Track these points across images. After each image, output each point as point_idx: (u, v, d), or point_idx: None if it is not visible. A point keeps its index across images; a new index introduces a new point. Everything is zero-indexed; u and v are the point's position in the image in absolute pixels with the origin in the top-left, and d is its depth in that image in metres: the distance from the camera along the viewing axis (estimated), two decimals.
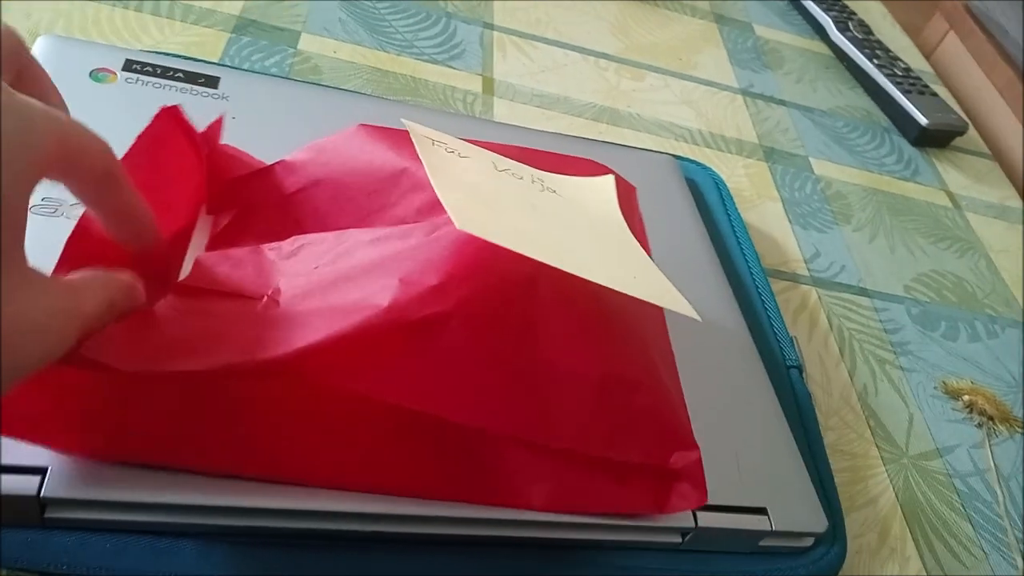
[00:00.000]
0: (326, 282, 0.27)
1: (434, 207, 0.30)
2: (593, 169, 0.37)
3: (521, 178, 0.34)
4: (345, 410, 0.26)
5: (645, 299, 0.29)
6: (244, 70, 0.48)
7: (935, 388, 0.48)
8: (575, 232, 0.31)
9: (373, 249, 0.28)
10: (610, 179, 0.37)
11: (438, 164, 0.31)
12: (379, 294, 0.26)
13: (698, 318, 0.29)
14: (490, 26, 0.62)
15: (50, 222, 0.32)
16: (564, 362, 0.29)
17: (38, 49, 0.39)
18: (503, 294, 0.28)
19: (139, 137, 0.30)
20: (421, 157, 0.31)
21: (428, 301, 0.26)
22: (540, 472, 0.29)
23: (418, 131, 0.33)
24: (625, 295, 0.28)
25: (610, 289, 0.28)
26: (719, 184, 0.52)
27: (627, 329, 0.32)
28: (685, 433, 0.31)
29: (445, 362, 0.27)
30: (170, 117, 0.31)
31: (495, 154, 0.35)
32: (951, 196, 0.65)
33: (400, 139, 0.34)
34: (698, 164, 0.54)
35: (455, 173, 0.31)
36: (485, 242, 0.26)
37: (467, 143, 0.34)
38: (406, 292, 0.26)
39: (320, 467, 0.27)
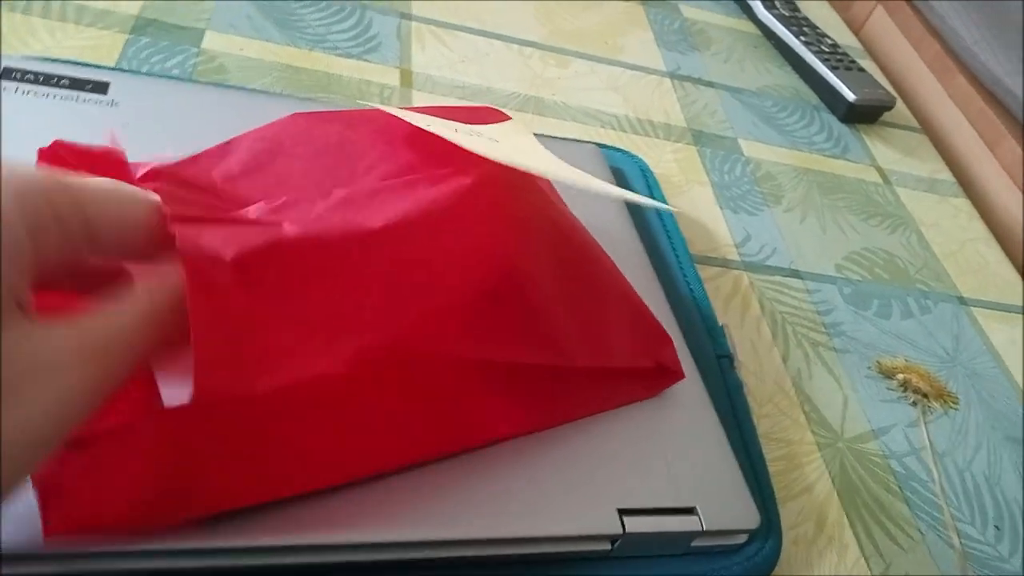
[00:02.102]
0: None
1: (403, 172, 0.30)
2: (495, 115, 0.38)
3: (471, 134, 0.33)
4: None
5: (630, 200, 0.34)
6: (139, 73, 0.45)
7: (869, 368, 0.47)
8: (536, 158, 0.35)
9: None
10: (517, 119, 0.39)
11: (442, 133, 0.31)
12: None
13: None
14: (408, 16, 0.60)
15: None
16: (554, 287, 0.31)
17: None
18: (530, 248, 0.31)
19: None
20: (429, 128, 0.30)
21: (484, 260, 0.29)
22: (565, 390, 0.32)
23: (389, 111, 0.32)
24: (578, 227, 0.34)
25: (570, 223, 0.34)
26: (645, 172, 0.51)
27: (591, 253, 0.35)
28: (658, 329, 0.36)
29: (507, 310, 0.29)
30: (53, 155, 0.28)
31: (433, 116, 0.34)
32: (881, 172, 0.65)
33: (333, 118, 0.32)
34: (623, 152, 0.53)
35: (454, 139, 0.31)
36: (495, 198, 0.29)
37: (405, 110, 0.33)
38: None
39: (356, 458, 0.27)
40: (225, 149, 0.32)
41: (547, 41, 0.64)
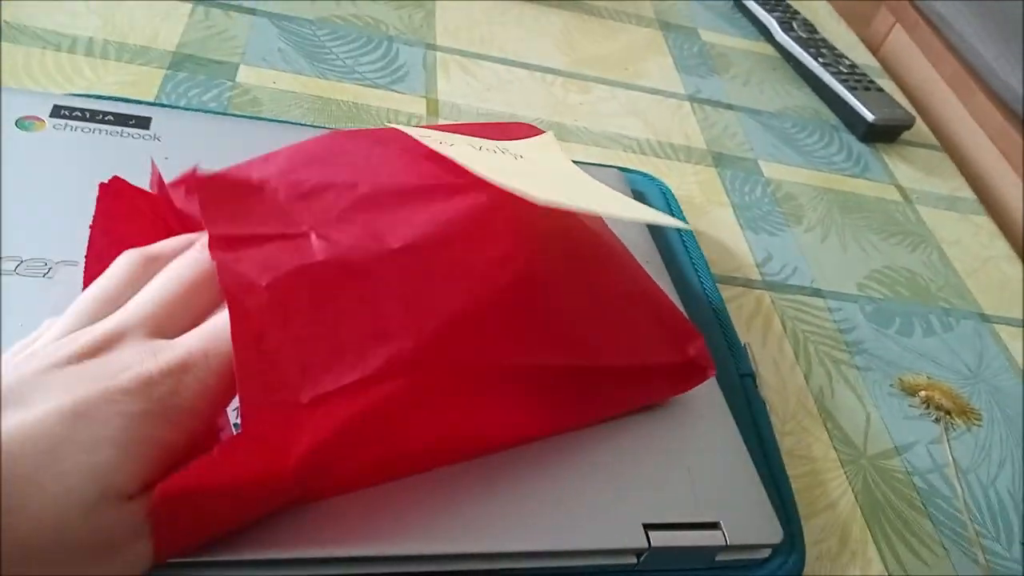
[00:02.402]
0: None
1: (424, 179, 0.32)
2: (528, 131, 0.40)
3: (494, 152, 0.35)
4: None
5: (647, 222, 0.35)
6: (178, 107, 0.47)
7: (891, 386, 0.48)
8: (565, 182, 0.36)
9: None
10: (549, 135, 0.41)
11: (456, 155, 0.32)
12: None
13: (687, 227, 0.39)
14: (433, 47, 0.62)
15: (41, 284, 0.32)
16: (575, 288, 0.33)
17: None
18: (549, 252, 0.32)
19: (92, 225, 0.29)
20: (445, 153, 0.32)
21: (505, 267, 0.30)
22: (592, 390, 0.33)
23: (414, 132, 0.33)
24: (597, 227, 0.36)
25: (588, 223, 0.35)
26: (666, 194, 0.52)
27: (613, 252, 0.37)
28: (686, 324, 0.37)
29: (530, 314, 0.31)
30: (111, 192, 0.30)
31: (461, 135, 0.35)
32: (901, 190, 0.66)
33: (363, 135, 0.34)
34: (645, 175, 0.54)
35: (470, 159, 0.32)
36: (513, 206, 0.30)
37: (432, 130, 0.35)
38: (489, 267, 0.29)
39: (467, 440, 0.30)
40: (264, 158, 0.33)
41: (569, 68, 0.66)
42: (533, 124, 0.58)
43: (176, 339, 0.24)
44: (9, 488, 0.19)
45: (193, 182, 0.28)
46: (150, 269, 0.27)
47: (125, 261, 0.27)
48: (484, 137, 0.37)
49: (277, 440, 0.24)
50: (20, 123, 0.38)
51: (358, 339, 0.26)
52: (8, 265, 0.32)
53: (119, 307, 0.25)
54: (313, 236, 0.27)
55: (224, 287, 0.24)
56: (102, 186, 0.29)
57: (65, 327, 0.25)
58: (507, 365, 0.30)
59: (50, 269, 0.33)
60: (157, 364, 0.23)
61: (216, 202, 0.27)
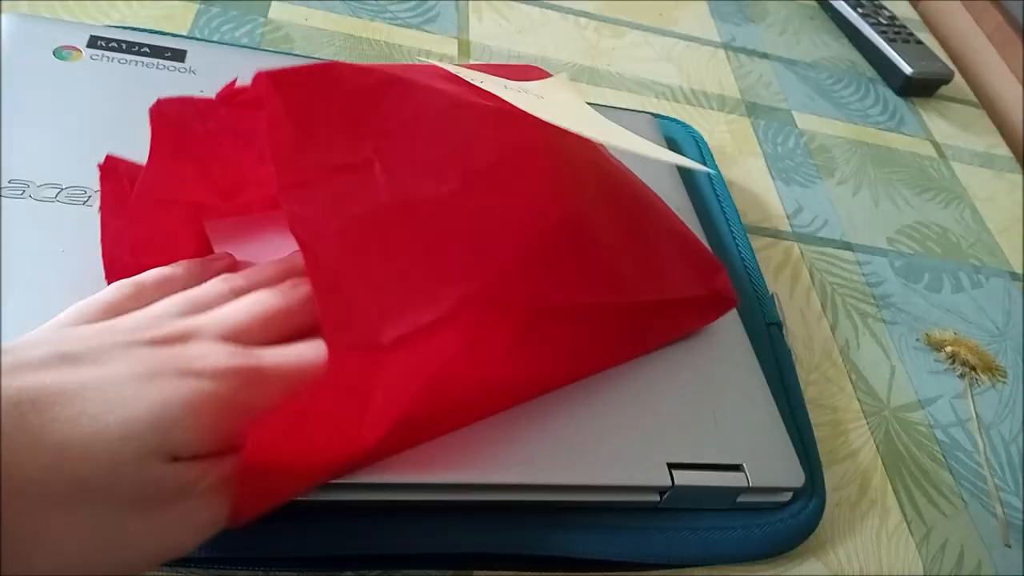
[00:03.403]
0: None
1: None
2: (540, 73, 0.40)
3: (519, 91, 0.34)
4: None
5: (665, 160, 0.35)
6: (212, 42, 0.47)
7: (917, 340, 0.48)
8: (590, 120, 0.36)
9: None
10: (563, 75, 0.41)
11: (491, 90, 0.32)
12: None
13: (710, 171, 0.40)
14: None
15: (18, 204, 0.32)
16: (609, 227, 0.33)
17: (2, 28, 0.38)
18: (585, 190, 0.33)
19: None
20: (482, 85, 0.32)
21: (550, 207, 0.30)
22: (629, 325, 0.34)
23: (453, 69, 0.33)
24: (622, 167, 0.37)
25: (614, 164, 0.36)
26: (699, 142, 0.52)
27: (638, 191, 0.37)
28: (710, 257, 0.38)
29: (575, 253, 0.31)
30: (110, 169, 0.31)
31: (486, 74, 0.35)
32: (936, 146, 0.65)
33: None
34: (678, 122, 0.53)
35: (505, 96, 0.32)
36: (546, 144, 0.31)
37: (462, 68, 0.34)
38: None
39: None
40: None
41: (602, 12, 0.65)
42: (565, 66, 0.57)
43: (256, 350, 0.25)
44: (79, 428, 0.20)
45: (266, 79, 0.26)
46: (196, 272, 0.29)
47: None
48: (500, 76, 0.37)
49: (363, 382, 0.24)
50: (58, 53, 0.39)
51: (427, 280, 0.26)
52: (49, 192, 0.33)
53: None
54: (377, 167, 0.27)
55: (296, 236, 0.25)
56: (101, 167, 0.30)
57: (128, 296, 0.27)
58: (558, 304, 0.31)
59: (89, 197, 0.33)
60: (229, 363, 0.24)
61: (286, 112, 0.26)
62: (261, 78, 0.25)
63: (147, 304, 0.26)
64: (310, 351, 0.25)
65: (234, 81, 0.29)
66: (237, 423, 0.23)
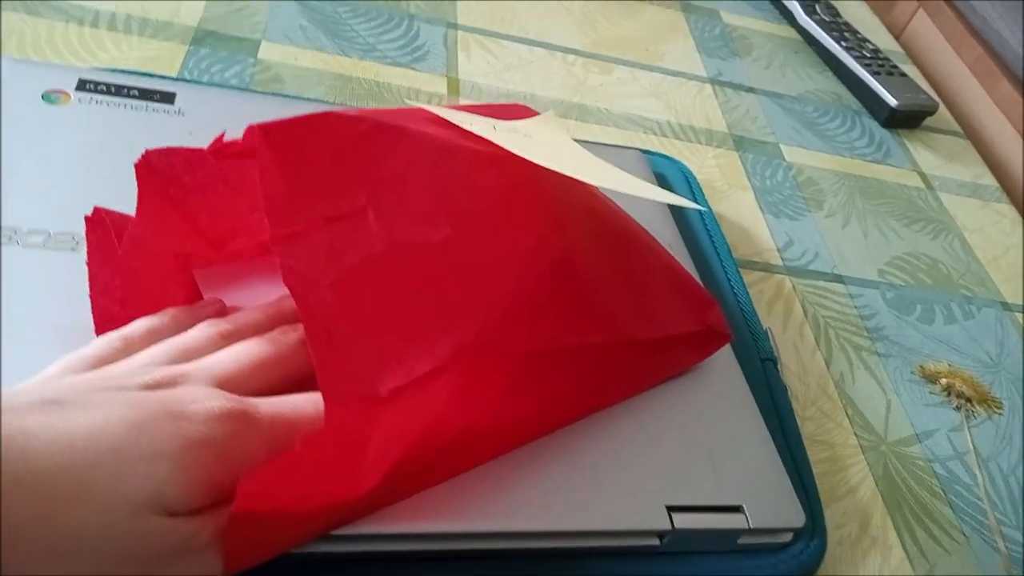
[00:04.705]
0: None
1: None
2: (525, 111, 0.40)
3: (508, 131, 0.34)
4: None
5: (655, 199, 0.35)
6: (201, 83, 0.47)
7: (912, 373, 0.48)
8: (578, 160, 0.36)
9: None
10: (550, 113, 0.40)
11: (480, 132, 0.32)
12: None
13: (701, 208, 0.38)
14: (454, 26, 0.62)
15: (5, 251, 0.31)
16: (602, 266, 0.33)
17: None
18: (576, 230, 0.33)
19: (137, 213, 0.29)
20: (470, 128, 0.32)
21: (543, 250, 0.30)
22: (623, 365, 0.34)
23: (435, 110, 0.33)
24: (612, 205, 0.37)
25: (604, 203, 0.36)
26: (688, 177, 0.52)
27: (629, 228, 0.37)
28: (703, 293, 0.38)
29: (569, 294, 0.31)
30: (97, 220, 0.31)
31: (474, 115, 0.35)
32: (923, 177, 0.65)
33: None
34: (666, 157, 0.53)
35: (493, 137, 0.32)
36: (537, 185, 0.31)
37: (450, 110, 0.34)
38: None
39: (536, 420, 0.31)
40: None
41: (589, 49, 0.65)
42: (553, 103, 0.58)
43: (249, 399, 0.24)
44: (68, 476, 0.19)
45: (257, 132, 0.26)
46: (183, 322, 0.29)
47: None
48: (489, 116, 0.37)
49: (359, 433, 0.24)
50: (46, 96, 0.38)
51: (423, 329, 0.26)
52: (36, 239, 0.33)
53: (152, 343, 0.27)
54: (371, 215, 0.26)
55: (290, 288, 0.24)
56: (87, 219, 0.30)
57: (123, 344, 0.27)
58: (552, 347, 0.30)
59: (77, 243, 0.33)
60: (223, 406, 0.23)
61: (277, 164, 0.26)
62: (252, 131, 0.25)
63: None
64: (307, 403, 0.25)
65: (223, 134, 0.28)
66: (229, 472, 0.23)
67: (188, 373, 0.25)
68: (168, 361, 0.26)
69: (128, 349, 0.26)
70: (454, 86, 0.56)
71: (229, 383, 0.25)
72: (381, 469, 0.25)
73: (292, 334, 0.27)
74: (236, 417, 0.23)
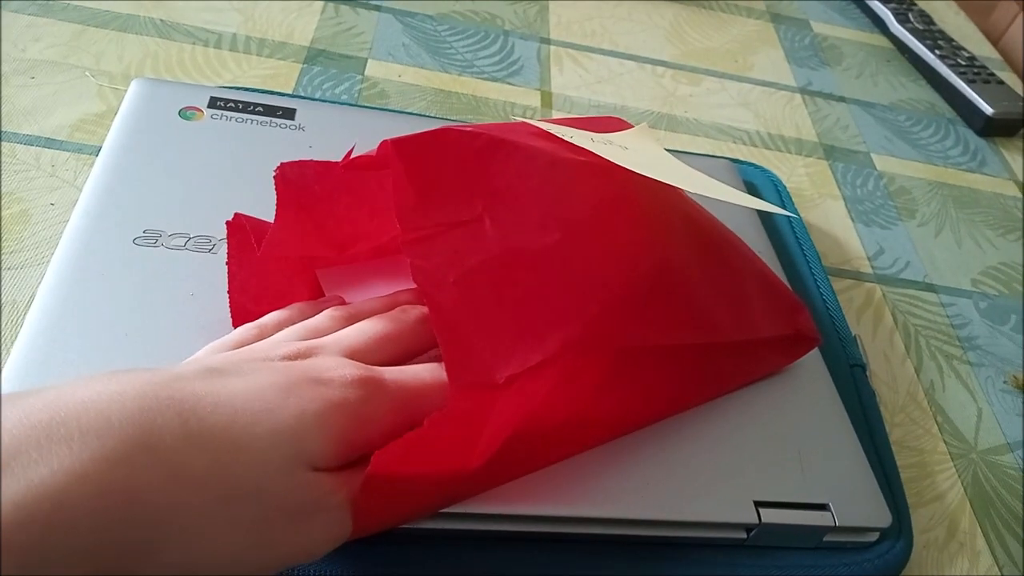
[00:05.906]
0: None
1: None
2: (621, 124, 0.41)
3: (605, 143, 0.36)
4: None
5: (746, 205, 0.35)
6: (317, 99, 0.51)
7: (1004, 383, 0.48)
8: (668, 167, 0.37)
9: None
10: (643, 125, 0.42)
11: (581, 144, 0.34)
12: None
13: (792, 215, 0.41)
14: (547, 41, 0.64)
15: (151, 252, 0.35)
16: (699, 271, 0.35)
17: (132, 92, 0.42)
18: (677, 235, 0.35)
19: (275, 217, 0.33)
20: (571, 140, 0.34)
21: (647, 253, 0.32)
22: (715, 365, 0.36)
23: (543, 126, 0.35)
24: (704, 212, 0.38)
25: (698, 209, 0.38)
26: (777, 185, 0.53)
27: (722, 234, 0.39)
28: (792, 298, 0.40)
29: (669, 296, 0.33)
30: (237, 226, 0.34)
31: (575, 129, 0.37)
32: (1020, 186, 0.64)
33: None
34: (756, 166, 0.55)
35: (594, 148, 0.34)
36: (640, 194, 0.33)
37: (551, 124, 0.36)
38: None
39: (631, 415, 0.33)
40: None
41: (678, 60, 0.67)
42: (643, 114, 0.59)
43: (376, 367, 0.27)
44: (232, 433, 0.22)
45: (390, 146, 0.29)
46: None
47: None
48: (596, 128, 0.39)
49: (477, 416, 0.27)
50: (183, 113, 0.42)
51: (534, 323, 0.28)
52: (178, 241, 0.36)
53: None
54: (487, 222, 0.29)
55: (419, 285, 0.27)
56: (229, 224, 0.34)
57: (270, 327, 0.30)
58: (651, 345, 0.32)
59: (214, 245, 0.36)
60: (355, 373, 0.26)
61: (407, 175, 0.28)
62: (385, 146, 0.28)
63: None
64: (427, 372, 0.28)
65: (352, 148, 0.31)
66: (362, 434, 0.25)
67: (322, 345, 0.28)
68: (300, 339, 0.29)
69: (262, 335, 0.30)
70: (547, 99, 0.59)
71: (357, 355, 0.28)
72: (492, 448, 0.27)
73: (412, 311, 0.30)
74: (367, 383, 0.26)
